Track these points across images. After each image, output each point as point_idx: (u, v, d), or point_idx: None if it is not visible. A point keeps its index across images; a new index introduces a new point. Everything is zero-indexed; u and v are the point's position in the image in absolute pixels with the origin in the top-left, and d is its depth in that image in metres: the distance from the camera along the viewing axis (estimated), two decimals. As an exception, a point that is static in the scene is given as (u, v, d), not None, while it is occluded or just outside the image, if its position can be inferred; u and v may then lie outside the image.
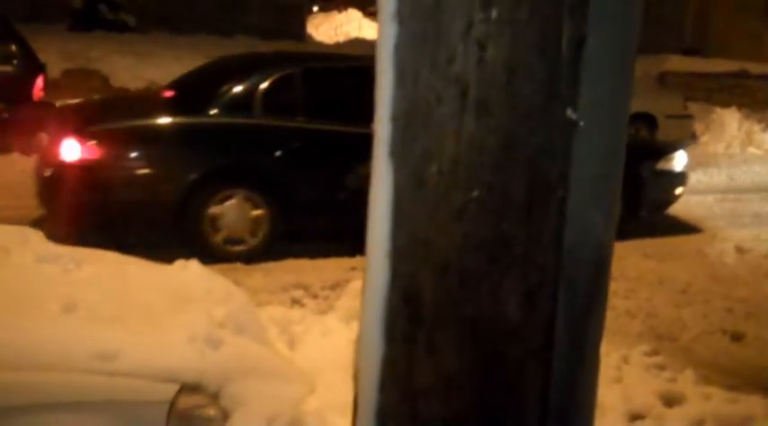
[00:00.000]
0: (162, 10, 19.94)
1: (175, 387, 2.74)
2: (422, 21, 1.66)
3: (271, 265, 5.67)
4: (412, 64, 1.68)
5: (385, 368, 1.80)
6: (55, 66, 13.73)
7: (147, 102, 6.95)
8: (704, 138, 15.38)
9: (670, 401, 2.72)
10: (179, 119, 6.12)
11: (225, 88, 6.24)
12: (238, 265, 5.68)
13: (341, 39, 26.77)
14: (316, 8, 34.10)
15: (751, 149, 15.14)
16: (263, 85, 6.15)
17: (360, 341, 1.85)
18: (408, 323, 1.75)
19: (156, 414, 2.68)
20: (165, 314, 3.09)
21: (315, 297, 4.91)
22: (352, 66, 6.50)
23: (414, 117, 1.69)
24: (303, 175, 6.05)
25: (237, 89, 6.20)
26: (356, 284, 4.15)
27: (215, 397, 2.83)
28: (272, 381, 3.04)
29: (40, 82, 10.18)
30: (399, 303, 1.75)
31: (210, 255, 5.83)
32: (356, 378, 1.95)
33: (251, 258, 5.96)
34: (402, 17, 1.68)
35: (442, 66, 1.65)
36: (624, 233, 5.98)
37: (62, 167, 5.74)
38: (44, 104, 9.39)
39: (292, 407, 3.06)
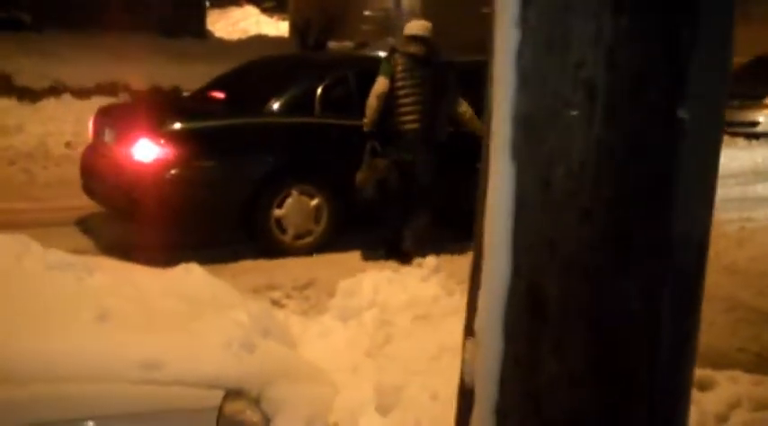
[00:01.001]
0: (57, 8, 19.24)
1: (221, 393, 2.70)
2: (549, 27, 1.71)
3: (232, 267, 5.60)
4: (537, 68, 1.74)
5: (506, 366, 1.84)
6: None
7: (203, 102, 6.90)
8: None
9: (702, 386, 2.87)
10: (246, 120, 6.22)
11: (286, 89, 6.40)
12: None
13: (240, 35, 26.42)
14: (207, 3, 33.47)
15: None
16: (323, 86, 6.34)
17: (478, 340, 1.89)
18: (533, 321, 1.80)
19: (206, 422, 2.64)
20: (190, 319, 3.03)
21: (290, 297, 4.90)
22: None
23: (539, 120, 1.75)
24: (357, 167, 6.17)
25: (299, 90, 6.37)
26: (348, 283, 4.17)
27: (257, 402, 2.81)
28: (302, 383, 3.04)
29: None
30: (523, 301, 1.80)
31: (281, 252, 6.00)
32: (464, 377, 1.99)
33: (320, 248, 6.13)
34: (527, 23, 1.73)
35: (571, 71, 1.70)
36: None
37: (136, 167, 5.75)
38: None
39: (326, 408, 3.08)
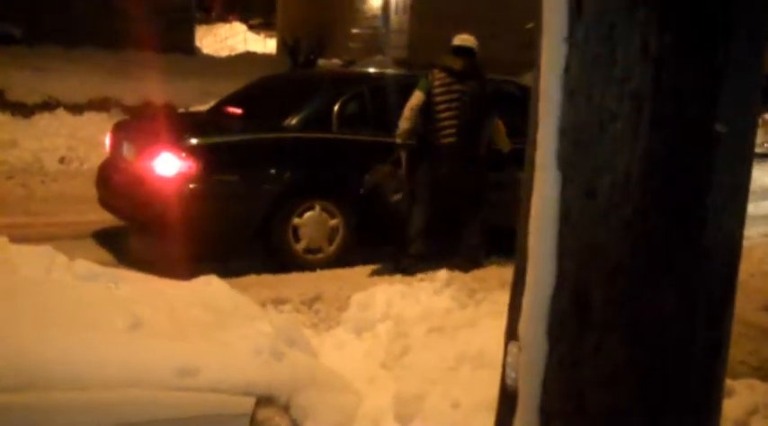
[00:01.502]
0: (48, 22, 19.27)
1: (252, 400, 2.76)
2: (596, 43, 1.80)
3: (237, 281, 5.62)
4: (584, 83, 1.82)
5: (550, 368, 1.92)
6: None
7: (221, 117, 7.00)
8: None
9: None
10: (265, 135, 6.32)
11: (304, 105, 6.54)
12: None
13: (228, 52, 26.54)
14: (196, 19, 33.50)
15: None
16: (340, 102, 6.47)
17: (522, 343, 1.95)
18: (577, 324, 1.88)
19: (239, 428, 2.70)
20: (217, 328, 3.09)
21: (299, 311, 4.94)
22: (411, 83, 6.77)
23: (586, 132, 1.83)
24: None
25: (317, 106, 6.51)
26: (361, 296, 4.22)
27: (286, 409, 2.86)
28: (328, 391, 3.09)
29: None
30: (568, 305, 1.88)
31: (291, 264, 6.06)
32: (506, 380, 2.05)
33: (327, 266, 6.22)
34: (575, 40, 1.82)
35: (617, 85, 1.79)
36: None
37: (157, 181, 5.83)
38: None
39: (350, 416, 3.13)
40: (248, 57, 22.26)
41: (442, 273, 4.41)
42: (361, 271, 6.24)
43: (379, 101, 6.56)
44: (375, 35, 23.93)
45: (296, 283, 5.69)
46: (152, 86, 15.11)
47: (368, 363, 3.78)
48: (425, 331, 3.81)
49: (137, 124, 7.37)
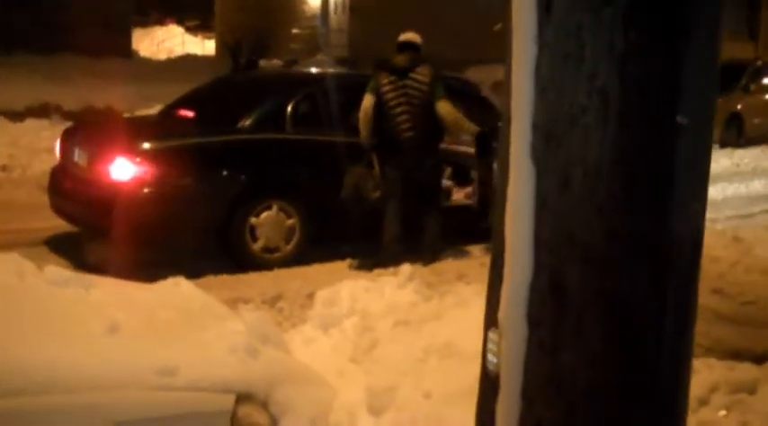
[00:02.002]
0: (-20, 28, 18.89)
1: (232, 397, 2.81)
2: (565, 43, 1.90)
3: (196, 283, 5.63)
4: (555, 80, 1.92)
5: (531, 352, 2.01)
6: None
7: (175, 121, 6.94)
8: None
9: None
10: (220, 137, 6.37)
11: (258, 106, 6.58)
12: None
13: (166, 55, 26.29)
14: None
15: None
16: (293, 103, 6.54)
17: (502, 329, 2.05)
18: (555, 309, 1.98)
19: (220, 424, 2.75)
20: (191, 328, 3.13)
21: (261, 310, 4.97)
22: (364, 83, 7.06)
23: (558, 126, 1.93)
24: (330, 184, 6.41)
25: (270, 107, 6.57)
26: (326, 292, 4.29)
27: (264, 405, 2.92)
28: (303, 386, 3.15)
29: None
30: (546, 290, 1.98)
31: (249, 263, 6.13)
32: (488, 366, 2.14)
33: (284, 265, 6.26)
34: (545, 40, 1.92)
35: (586, 81, 1.89)
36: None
37: (113, 186, 5.81)
38: None
39: (326, 410, 3.20)
40: (188, 60, 22.13)
41: (405, 267, 4.51)
42: (319, 269, 6.31)
43: (331, 100, 6.67)
44: (315, 35, 23.95)
45: (255, 283, 5.73)
46: (91, 91, 14.94)
47: (336, 358, 3.85)
48: (392, 324, 3.90)
49: (88, 130, 7.34)
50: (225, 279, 5.92)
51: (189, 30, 33.24)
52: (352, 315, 4.07)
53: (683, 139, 1.97)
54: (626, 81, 1.88)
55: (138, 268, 5.37)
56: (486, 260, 7.02)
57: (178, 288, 3.59)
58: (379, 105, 6.15)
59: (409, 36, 6.47)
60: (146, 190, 5.84)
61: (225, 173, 6.21)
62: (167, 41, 31.26)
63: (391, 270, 5.21)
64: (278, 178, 6.40)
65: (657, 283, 1.99)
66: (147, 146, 5.99)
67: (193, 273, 5.81)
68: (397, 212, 6.23)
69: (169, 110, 7.47)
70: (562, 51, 1.90)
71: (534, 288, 1.98)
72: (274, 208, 6.24)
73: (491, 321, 2.12)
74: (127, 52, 22.50)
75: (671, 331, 2.06)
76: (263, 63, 19.59)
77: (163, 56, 26.43)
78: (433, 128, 6.27)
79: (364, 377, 3.57)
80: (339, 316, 4.08)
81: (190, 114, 7.02)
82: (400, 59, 6.29)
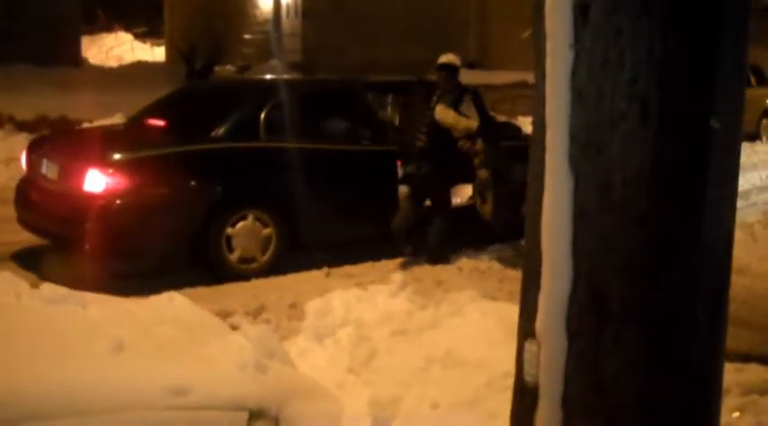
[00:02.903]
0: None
1: (245, 415, 2.74)
2: (604, 48, 1.87)
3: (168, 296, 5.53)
4: (592, 85, 1.89)
5: (571, 362, 1.98)
6: None
7: (145, 131, 6.81)
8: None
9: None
10: (193, 147, 6.23)
11: (229, 115, 6.48)
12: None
13: (115, 62, 25.82)
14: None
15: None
16: (266, 111, 6.43)
17: (540, 339, 2.01)
18: (596, 319, 1.95)
19: (235, 444, 2.68)
20: (195, 345, 3.04)
21: (247, 322, 4.88)
22: (339, 89, 7.21)
23: (597, 133, 1.90)
24: (307, 193, 6.34)
25: (243, 115, 6.48)
26: (318, 302, 4.22)
27: (276, 421, 2.85)
28: (311, 400, 3.09)
29: None
30: (586, 300, 1.95)
31: (226, 275, 5.98)
32: (525, 377, 2.11)
33: (261, 275, 6.15)
34: (582, 45, 1.89)
35: (626, 87, 1.87)
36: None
37: (85, 198, 5.65)
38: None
39: (335, 423, 3.13)
40: (139, 67, 21.79)
41: (397, 276, 4.46)
42: (296, 278, 6.21)
43: (304, 108, 6.58)
44: (267, 40, 23.77)
45: (234, 294, 5.62)
46: (44, 100, 14.61)
47: (334, 369, 3.78)
48: (388, 334, 3.85)
49: (56, 141, 7.16)
50: (202, 291, 5.78)
51: (137, 36, 32.73)
52: (345, 325, 4.01)
53: (716, 143, 1.96)
54: (665, 86, 1.86)
55: (108, 281, 5.27)
56: (462, 264, 6.98)
57: (173, 303, 3.49)
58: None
59: (449, 58, 6.70)
60: (118, 202, 5.71)
61: (200, 182, 6.10)
62: (116, 49, 30.72)
63: (384, 278, 5.15)
64: (253, 187, 6.30)
65: (691, 289, 1.98)
66: (119, 157, 5.87)
67: (167, 286, 5.70)
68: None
69: (137, 120, 7.31)
70: (601, 57, 1.88)
71: (573, 299, 1.95)
72: (250, 217, 6.14)
73: (527, 331, 2.09)
74: (76, 60, 22.11)
75: (704, 332, 2.05)
76: (216, 68, 19.40)
77: (113, 63, 25.95)
78: (424, 137, 6.50)
79: (365, 388, 3.51)
80: (332, 327, 4.02)
81: (160, 123, 6.88)
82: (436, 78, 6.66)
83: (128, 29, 34.12)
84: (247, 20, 25.08)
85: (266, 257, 6.24)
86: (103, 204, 5.67)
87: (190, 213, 5.95)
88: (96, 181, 5.66)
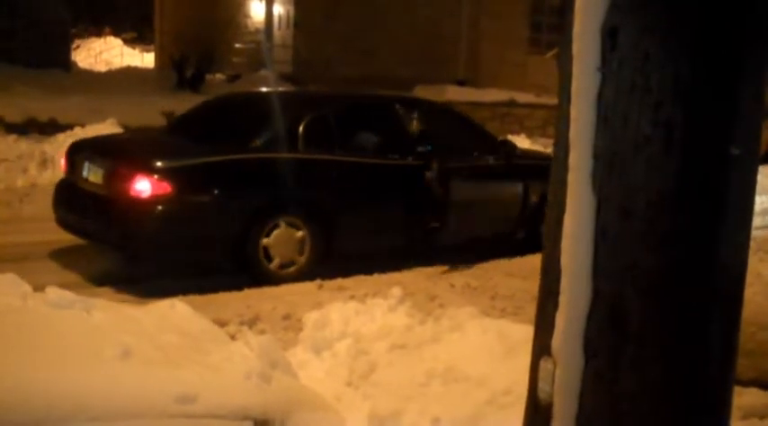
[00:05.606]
0: None
1: (250, 424, 2.74)
2: (630, 73, 1.90)
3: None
4: (618, 108, 1.92)
5: (587, 381, 2.00)
6: None
7: (185, 139, 7.02)
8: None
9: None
10: (234, 156, 6.45)
11: (270, 126, 6.72)
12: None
13: (104, 67, 25.75)
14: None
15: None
16: (305, 123, 6.67)
17: (556, 358, 2.03)
18: (614, 339, 1.97)
19: (240, 453, 2.68)
20: (199, 353, 3.03)
21: (242, 332, 4.85)
22: (374, 103, 7.46)
23: (621, 155, 1.93)
24: (341, 200, 6.66)
25: (283, 126, 6.69)
26: (316, 315, 4.21)
27: (280, 432, 2.85)
28: (314, 412, 3.09)
29: None
30: (605, 321, 1.97)
31: (266, 280, 6.22)
32: (539, 395, 2.12)
33: (300, 278, 6.35)
34: (609, 69, 1.92)
35: (652, 111, 1.90)
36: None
37: (131, 202, 5.94)
38: None
39: (337, 436, 3.14)
40: (129, 72, 21.72)
41: (396, 290, 4.46)
42: (288, 290, 6.21)
43: (343, 122, 6.88)
44: (259, 50, 23.76)
45: (227, 304, 5.60)
46: (34, 103, 14.56)
47: (332, 382, 3.79)
48: (387, 348, 3.85)
49: (98, 145, 7.31)
50: (193, 299, 5.74)
51: (127, 42, 32.69)
52: (343, 337, 4.01)
53: (736, 170, 1.99)
54: (690, 111, 1.89)
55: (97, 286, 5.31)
56: (453, 280, 7.00)
57: (175, 311, 3.49)
58: None
59: None
60: (163, 207, 5.96)
61: (241, 191, 6.33)
62: (105, 53, 30.68)
63: (382, 291, 5.15)
64: (290, 196, 6.52)
65: (708, 310, 2.00)
66: (164, 163, 6.14)
67: (160, 292, 5.69)
68: None
69: (178, 127, 7.58)
70: (628, 81, 1.91)
71: (592, 319, 1.97)
72: (282, 224, 6.35)
73: (542, 349, 2.10)
74: (65, 64, 22.01)
75: (718, 356, 2.07)
76: (207, 77, 19.38)
77: (102, 67, 25.91)
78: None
79: (364, 401, 3.52)
80: (330, 339, 4.02)
81: (201, 132, 7.04)
82: None
83: (118, 34, 34.08)
84: (239, 29, 25.07)
85: (303, 259, 6.46)
86: (148, 209, 5.95)
87: (231, 220, 6.18)
88: (142, 186, 5.92)
